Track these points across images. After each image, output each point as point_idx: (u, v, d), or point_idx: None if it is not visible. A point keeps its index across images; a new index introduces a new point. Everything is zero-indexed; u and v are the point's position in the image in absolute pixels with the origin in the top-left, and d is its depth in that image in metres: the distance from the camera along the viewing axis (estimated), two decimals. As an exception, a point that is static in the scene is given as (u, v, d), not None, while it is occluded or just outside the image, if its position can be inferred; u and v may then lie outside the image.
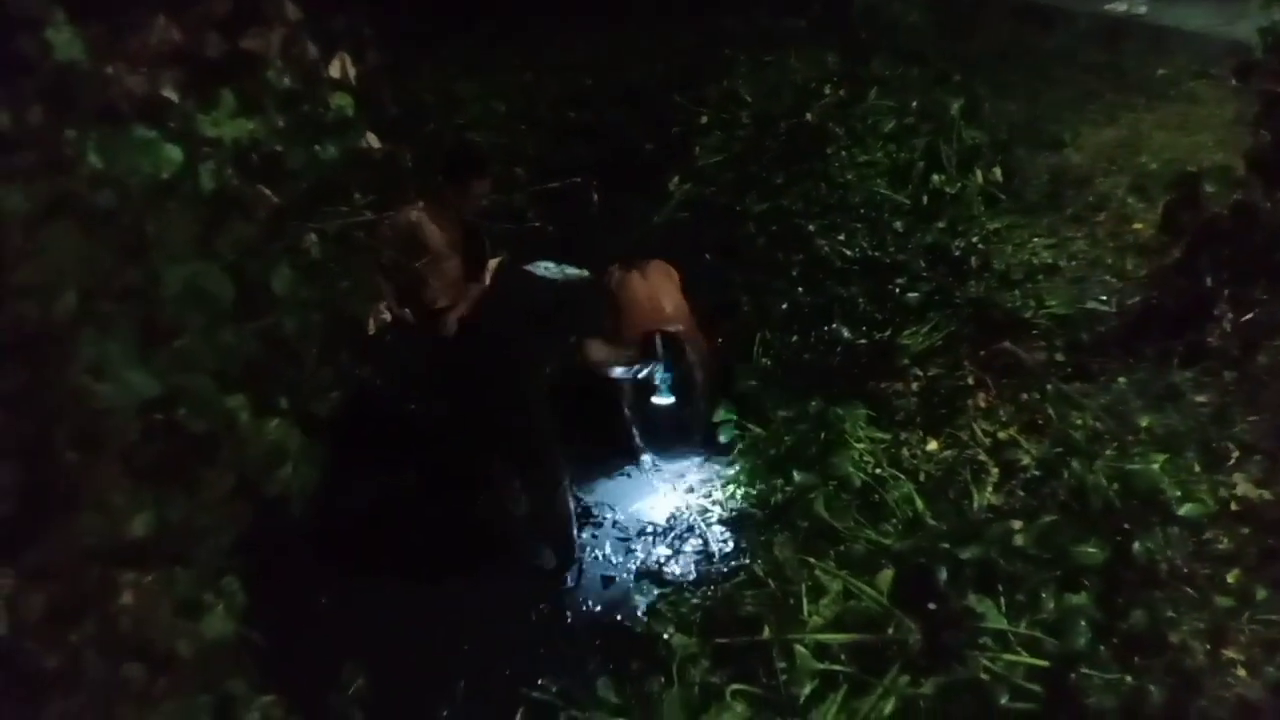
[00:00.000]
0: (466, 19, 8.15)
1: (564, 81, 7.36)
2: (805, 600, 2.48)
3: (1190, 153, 4.62)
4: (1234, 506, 2.58)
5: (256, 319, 1.76)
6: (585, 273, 3.59)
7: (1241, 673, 2.15)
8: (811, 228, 4.74)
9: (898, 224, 4.55)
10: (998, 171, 4.80)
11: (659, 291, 4.01)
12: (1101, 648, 2.21)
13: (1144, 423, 2.91)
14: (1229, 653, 2.19)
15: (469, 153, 4.19)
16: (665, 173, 6.08)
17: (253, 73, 1.92)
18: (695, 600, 2.90)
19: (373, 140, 2.36)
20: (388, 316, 3.10)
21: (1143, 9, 6.78)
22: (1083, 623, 2.24)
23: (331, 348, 2.19)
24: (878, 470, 3.16)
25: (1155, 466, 2.65)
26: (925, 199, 4.70)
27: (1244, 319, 3.10)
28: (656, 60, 7.49)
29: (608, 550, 3.63)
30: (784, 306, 4.36)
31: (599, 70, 7.46)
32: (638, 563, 3.53)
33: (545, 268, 3.73)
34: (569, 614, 3.34)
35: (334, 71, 2.22)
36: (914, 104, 5.51)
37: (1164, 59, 5.92)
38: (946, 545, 2.48)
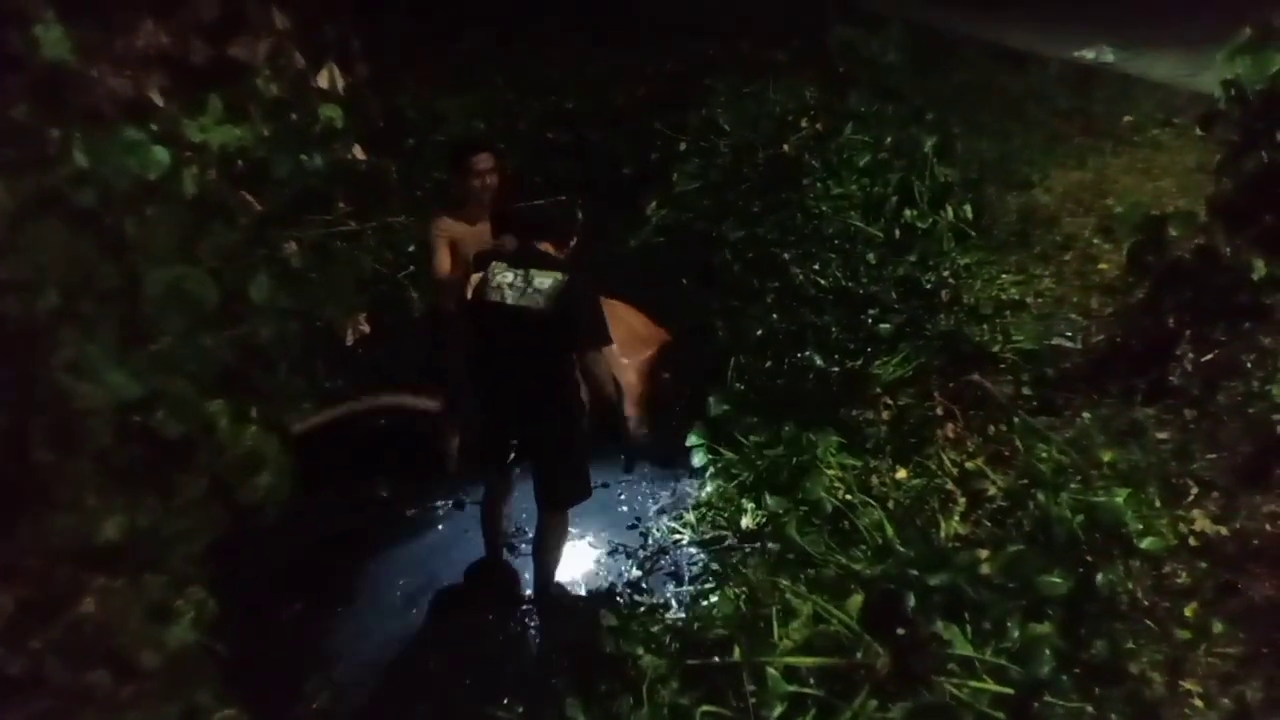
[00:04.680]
0: (452, 35, 8.18)
1: (546, 102, 7.39)
2: (776, 623, 2.49)
3: (1154, 197, 4.73)
4: (1192, 541, 2.65)
5: (233, 326, 1.75)
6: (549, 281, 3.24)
7: (1198, 704, 2.20)
8: (787, 256, 4.79)
9: (870, 256, 4.61)
10: (968, 209, 4.88)
11: None
12: (1064, 677, 2.24)
13: (1107, 457, 2.98)
14: (1186, 684, 2.24)
15: (466, 137, 4.24)
16: (643, 196, 6.12)
17: (240, 80, 1.92)
18: (666, 621, 2.89)
19: (359, 152, 2.36)
20: (366, 328, 3.07)
21: (1110, 58, 6.96)
22: (1046, 651, 2.28)
23: (306, 357, 2.18)
24: (848, 496, 3.19)
25: (1118, 500, 2.71)
26: (898, 233, 4.77)
27: (1205, 358, 3.19)
28: (638, 85, 7.55)
29: (577, 570, 3.61)
30: (758, 333, 4.40)
31: (581, 92, 7.50)
32: (608, 582, 3.52)
33: (509, 284, 3.00)
34: (536, 633, 3.32)
35: (322, 82, 2.22)
36: (888, 140, 5.60)
37: (1131, 106, 6.08)
38: (915, 572, 2.51)
